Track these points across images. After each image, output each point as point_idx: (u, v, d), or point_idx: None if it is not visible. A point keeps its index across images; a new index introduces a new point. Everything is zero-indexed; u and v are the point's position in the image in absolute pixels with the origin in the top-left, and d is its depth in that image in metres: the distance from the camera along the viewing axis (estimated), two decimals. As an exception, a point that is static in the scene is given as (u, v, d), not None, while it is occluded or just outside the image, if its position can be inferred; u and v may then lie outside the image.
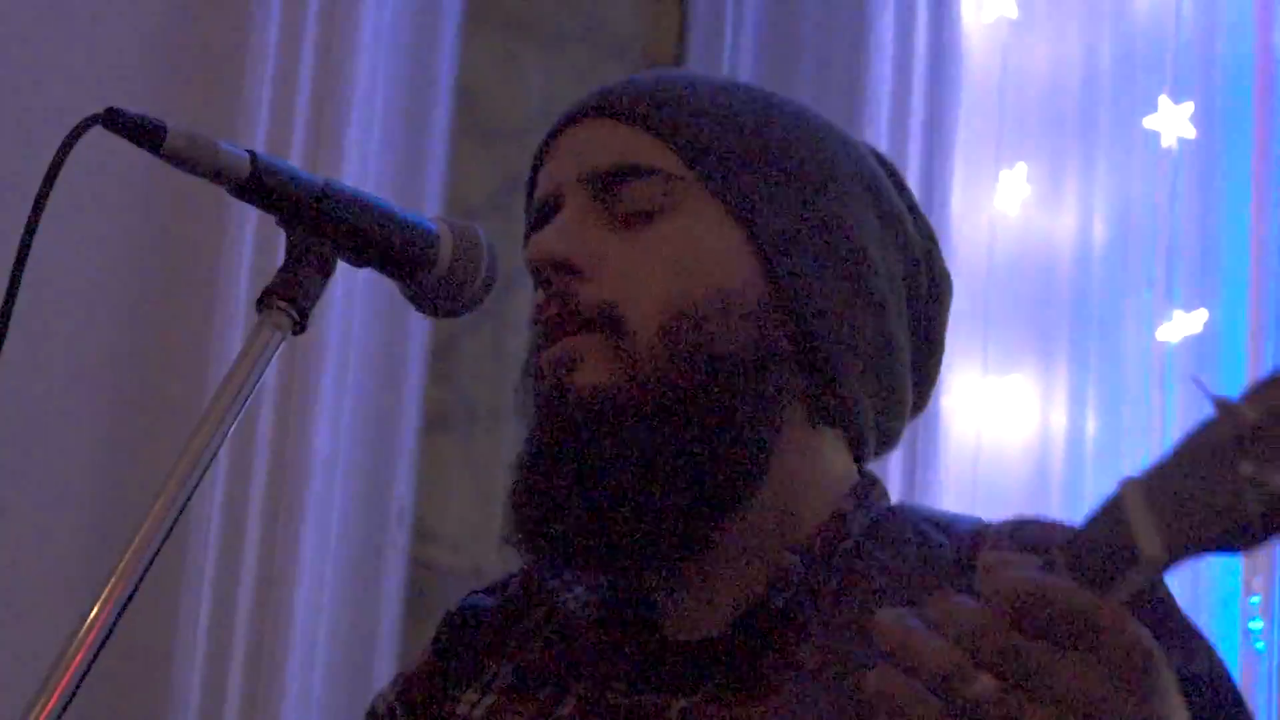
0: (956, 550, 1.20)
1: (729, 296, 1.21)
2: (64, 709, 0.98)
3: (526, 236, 1.31)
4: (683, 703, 1.18)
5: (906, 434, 2.86)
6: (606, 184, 1.24)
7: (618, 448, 1.18)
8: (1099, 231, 2.69)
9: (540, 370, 1.24)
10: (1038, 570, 0.87)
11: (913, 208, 1.34)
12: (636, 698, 1.20)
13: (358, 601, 2.63)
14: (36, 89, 2.61)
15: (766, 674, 1.18)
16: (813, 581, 1.21)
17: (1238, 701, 1.14)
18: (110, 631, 1.01)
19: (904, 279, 1.31)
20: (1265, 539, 0.80)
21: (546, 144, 1.31)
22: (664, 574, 1.25)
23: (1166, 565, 0.83)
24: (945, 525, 1.24)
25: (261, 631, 2.52)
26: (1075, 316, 2.69)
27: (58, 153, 1.10)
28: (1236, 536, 0.80)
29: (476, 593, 1.38)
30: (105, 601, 1.01)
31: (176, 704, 2.48)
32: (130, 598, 1.01)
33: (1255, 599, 2.54)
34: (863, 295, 1.27)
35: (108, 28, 2.70)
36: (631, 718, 1.20)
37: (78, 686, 0.99)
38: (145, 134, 1.12)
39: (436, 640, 1.36)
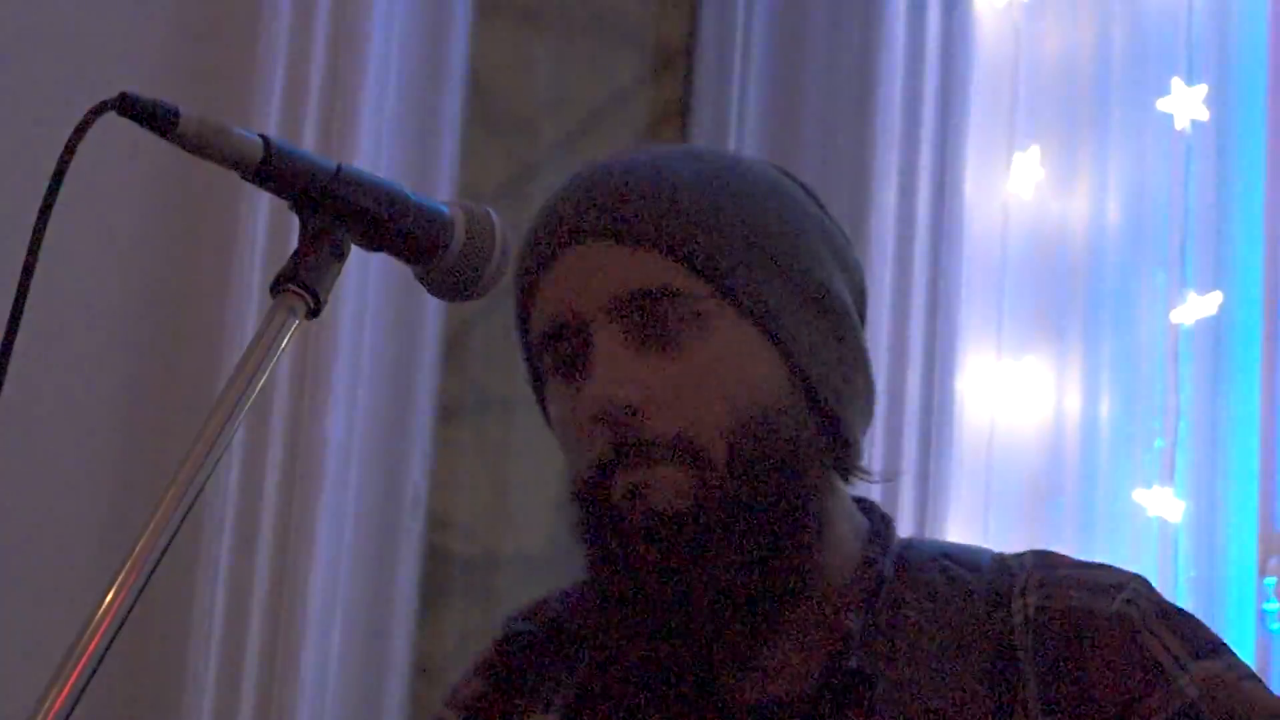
0: (989, 588, 1.29)
1: (772, 408, 1.28)
2: (79, 695, 0.98)
3: (523, 335, 1.34)
4: None
5: (920, 418, 2.84)
6: (634, 308, 1.27)
7: (698, 561, 1.24)
8: (1113, 214, 2.68)
9: (613, 492, 1.27)
10: None
11: (835, 221, 1.39)
12: None
13: (372, 588, 2.64)
14: (50, 75, 2.62)
15: None
16: (871, 638, 1.27)
17: None
18: (125, 618, 1.00)
19: (854, 299, 1.37)
20: None
21: (542, 260, 1.31)
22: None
23: None
24: (965, 561, 1.33)
25: (276, 618, 2.53)
26: (1089, 299, 2.68)
27: (71, 138, 1.09)
28: None
29: (515, 619, 1.43)
30: (120, 587, 1.01)
31: (192, 689, 2.49)
32: (145, 584, 1.01)
33: (1270, 581, 2.54)
34: (851, 348, 1.34)
35: (121, 14, 2.70)
36: None
37: (93, 673, 0.99)
38: (158, 119, 1.12)
39: (490, 668, 1.41)
